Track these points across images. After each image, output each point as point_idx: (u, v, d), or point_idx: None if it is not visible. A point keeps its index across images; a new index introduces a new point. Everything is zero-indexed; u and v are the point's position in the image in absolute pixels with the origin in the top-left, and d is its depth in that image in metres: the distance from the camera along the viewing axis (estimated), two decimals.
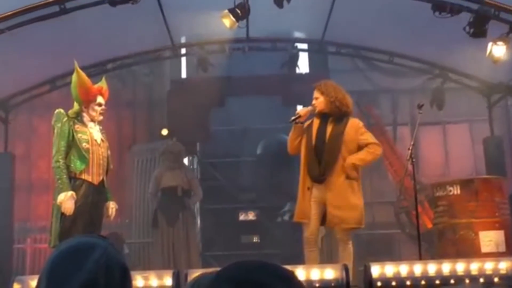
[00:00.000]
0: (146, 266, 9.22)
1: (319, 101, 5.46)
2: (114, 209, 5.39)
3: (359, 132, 5.44)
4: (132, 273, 1.58)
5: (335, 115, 5.44)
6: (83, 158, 5.09)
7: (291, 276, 1.23)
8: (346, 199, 5.29)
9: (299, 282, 1.23)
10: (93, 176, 5.15)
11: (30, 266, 10.22)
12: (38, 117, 10.41)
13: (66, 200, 4.93)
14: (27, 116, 10.63)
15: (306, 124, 5.59)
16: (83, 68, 8.27)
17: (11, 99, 9.66)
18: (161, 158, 9.07)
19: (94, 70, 9.03)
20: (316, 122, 5.54)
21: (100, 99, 5.27)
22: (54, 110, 5.27)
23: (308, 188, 5.40)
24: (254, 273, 1.20)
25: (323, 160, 5.34)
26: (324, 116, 5.49)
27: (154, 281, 4.56)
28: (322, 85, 5.52)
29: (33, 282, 4.31)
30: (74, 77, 5.24)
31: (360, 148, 5.41)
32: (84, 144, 5.11)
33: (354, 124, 5.46)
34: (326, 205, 5.33)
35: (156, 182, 8.67)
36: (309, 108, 5.51)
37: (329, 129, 5.42)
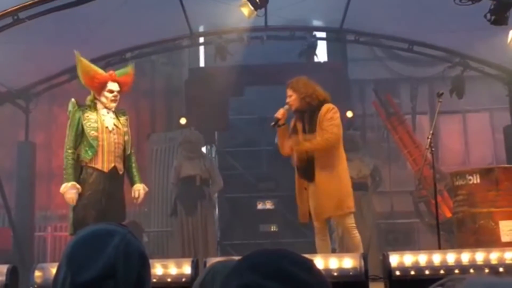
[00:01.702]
0: (165, 254, 9.27)
1: (292, 98, 5.42)
2: (141, 191, 5.36)
3: (326, 117, 5.28)
4: (151, 261, 1.59)
5: (308, 111, 5.39)
6: (91, 147, 5.11)
7: (311, 264, 1.24)
8: (323, 189, 5.27)
9: (318, 270, 1.24)
10: (103, 163, 5.15)
11: (51, 253, 10.33)
12: (58, 106, 10.47)
13: (67, 190, 5.03)
14: (47, 105, 10.71)
15: (291, 125, 5.54)
16: (102, 58, 8.32)
17: (32, 89, 9.76)
18: (179, 148, 9.09)
19: (113, 59, 9.09)
20: (298, 122, 5.49)
21: (111, 86, 5.23)
22: None
23: (306, 188, 5.43)
24: (276, 261, 1.20)
25: (308, 157, 5.33)
26: (300, 114, 5.46)
27: (173, 269, 4.58)
28: (294, 82, 5.48)
29: (54, 269, 4.36)
30: (78, 66, 5.24)
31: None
32: (92, 132, 5.13)
33: (324, 109, 5.32)
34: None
35: (176, 172, 8.70)
36: (286, 107, 5.44)
37: (306, 126, 5.41)
